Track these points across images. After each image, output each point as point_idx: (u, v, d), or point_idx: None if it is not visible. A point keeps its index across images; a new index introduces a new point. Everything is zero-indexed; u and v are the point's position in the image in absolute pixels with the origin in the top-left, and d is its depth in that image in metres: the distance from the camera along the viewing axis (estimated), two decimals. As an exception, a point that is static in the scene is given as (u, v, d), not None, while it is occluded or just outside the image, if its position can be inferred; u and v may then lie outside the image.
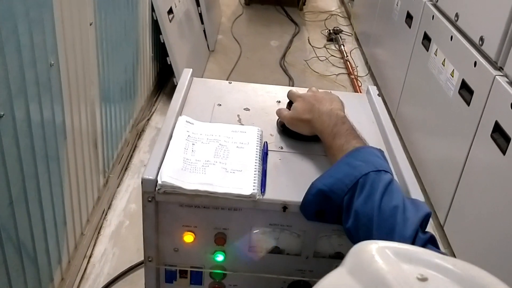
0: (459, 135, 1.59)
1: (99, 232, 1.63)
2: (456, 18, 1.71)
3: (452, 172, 1.61)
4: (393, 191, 0.68)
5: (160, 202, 0.76)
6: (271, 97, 1.04)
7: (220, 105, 0.98)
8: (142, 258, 1.53)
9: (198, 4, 2.86)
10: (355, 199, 0.70)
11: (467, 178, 1.53)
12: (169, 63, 2.28)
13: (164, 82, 2.61)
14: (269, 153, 0.85)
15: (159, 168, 0.76)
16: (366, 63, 3.04)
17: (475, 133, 1.48)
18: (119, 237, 1.64)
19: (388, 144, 0.89)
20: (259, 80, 1.10)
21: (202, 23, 2.91)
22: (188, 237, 0.79)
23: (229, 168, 0.79)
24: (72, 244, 1.39)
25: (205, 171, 0.77)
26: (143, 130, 2.21)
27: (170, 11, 2.31)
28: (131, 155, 2.03)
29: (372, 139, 0.91)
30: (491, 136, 1.38)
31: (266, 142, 0.87)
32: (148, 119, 2.28)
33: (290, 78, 2.84)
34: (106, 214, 1.71)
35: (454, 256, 1.56)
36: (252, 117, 0.95)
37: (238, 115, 0.95)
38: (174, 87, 2.46)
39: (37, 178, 1.11)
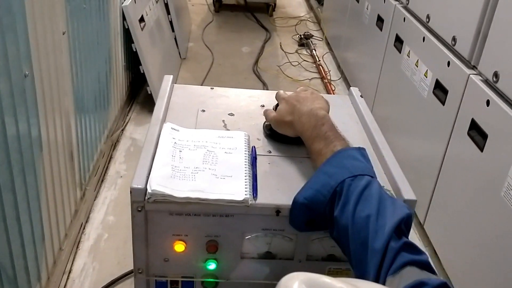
0: (435, 134, 1.62)
1: (77, 247, 1.58)
2: (427, 20, 1.74)
3: (430, 171, 1.63)
4: (367, 198, 0.67)
5: (150, 211, 0.74)
6: (254, 101, 1.03)
7: (204, 111, 0.97)
8: (123, 272, 1.52)
9: (168, 12, 2.84)
10: (334, 209, 0.69)
11: (445, 176, 1.55)
12: (142, 71, 2.25)
13: (137, 92, 2.58)
14: (258, 157, 0.84)
15: (148, 176, 0.74)
16: (339, 67, 3.07)
17: (452, 131, 1.51)
18: (99, 250, 1.60)
19: (375, 144, 0.89)
20: (233, 86, 1.09)
21: (173, 31, 2.89)
22: (179, 246, 0.77)
23: (219, 174, 0.78)
24: (50, 260, 1.35)
25: (195, 178, 0.76)
26: (117, 141, 2.17)
27: (142, 20, 2.28)
28: (107, 166, 1.99)
29: (358, 139, 0.91)
30: (468, 133, 1.40)
31: (254, 146, 0.86)
32: (123, 130, 2.24)
33: (264, 84, 2.85)
34: (84, 228, 1.66)
35: (435, 253, 1.58)
36: (237, 122, 0.94)
37: (223, 121, 0.94)
38: (147, 96, 2.45)
39: (14, 193, 1.07)
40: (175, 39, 2.92)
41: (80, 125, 1.58)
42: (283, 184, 0.78)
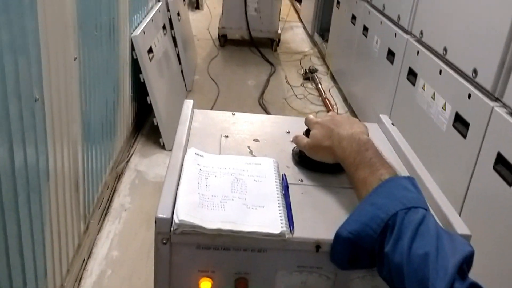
0: (457, 169, 1.55)
1: (79, 284, 1.49)
2: (444, 52, 1.71)
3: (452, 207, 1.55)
4: (424, 233, 0.60)
5: (175, 244, 0.66)
6: (279, 127, 0.97)
7: (227, 136, 0.90)
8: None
9: (175, 45, 2.82)
10: (385, 244, 0.62)
11: (469, 213, 1.48)
12: (149, 102, 2.20)
13: (142, 123, 2.52)
14: (289, 186, 0.77)
15: (174, 205, 0.67)
16: (345, 100, 3.03)
17: (475, 165, 1.45)
18: (102, 288, 1.50)
19: (416, 174, 0.83)
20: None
21: (180, 63, 2.86)
22: (205, 284, 0.69)
23: (249, 203, 0.71)
24: (52, 298, 1.26)
25: (224, 208, 0.69)
26: (122, 173, 2.09)
27: (150, 50, 2.25)
28: (111, 199, 1.91)
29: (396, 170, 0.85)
30: (494, 168, 1.34)
31: (284, 174, 0.80)
32: (127, 161, 2.17)
33: (271, 117, 2.80)
34: (86, 263, 1.57)
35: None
36: (263, 148, 0.88)
37: (249, 147, 0.88)
38: (152, 127, 2.39)
39: (19, 224, 1.00)
40: (182, 71, 2.89)
41: (86, 154, 1.52)
42: (320, 217, 0.71)
